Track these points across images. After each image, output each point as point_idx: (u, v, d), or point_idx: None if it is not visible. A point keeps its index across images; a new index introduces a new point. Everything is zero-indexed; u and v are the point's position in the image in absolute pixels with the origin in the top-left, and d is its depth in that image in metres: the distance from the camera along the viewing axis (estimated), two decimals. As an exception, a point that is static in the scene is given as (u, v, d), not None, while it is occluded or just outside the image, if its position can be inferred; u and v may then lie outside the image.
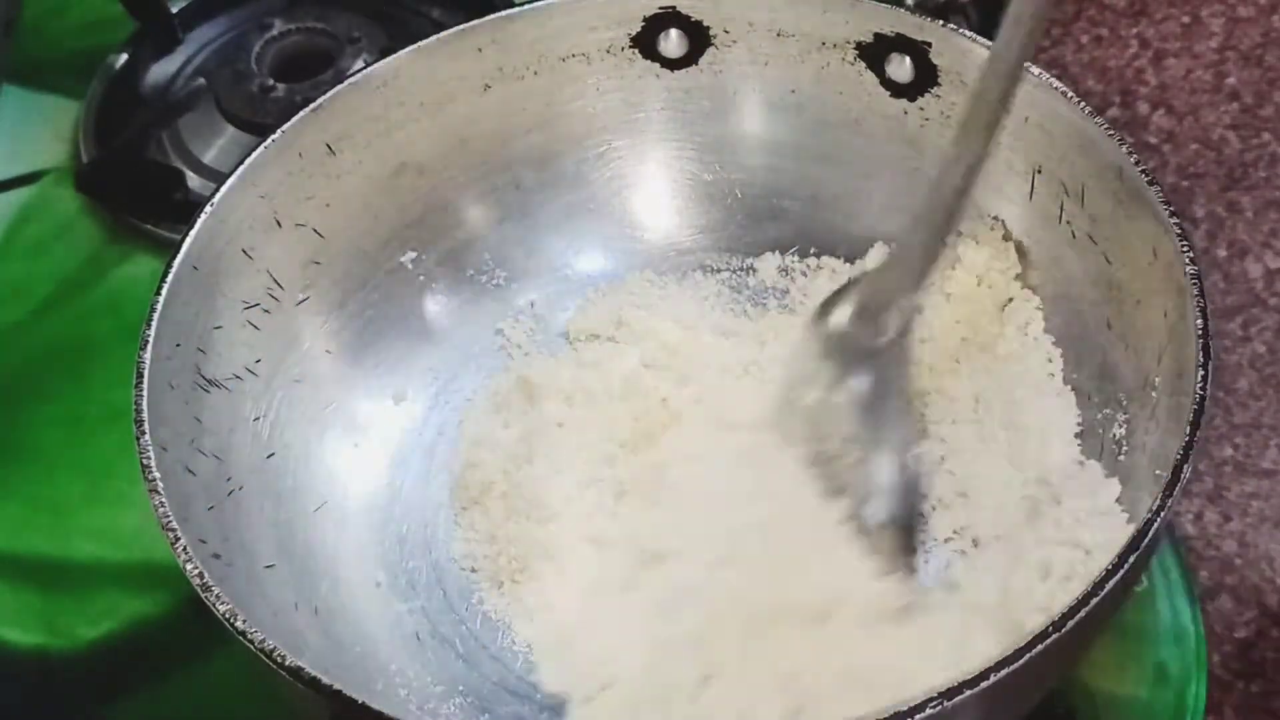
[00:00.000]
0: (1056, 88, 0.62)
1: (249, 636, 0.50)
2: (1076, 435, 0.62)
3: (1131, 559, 0.49)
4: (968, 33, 0.65)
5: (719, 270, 0.73)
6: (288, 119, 0.65)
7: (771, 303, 0.71)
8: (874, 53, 0.67)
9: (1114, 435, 0.61)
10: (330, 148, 0.67)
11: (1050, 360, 0.65)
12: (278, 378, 0.65)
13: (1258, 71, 0.84)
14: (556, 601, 0.62)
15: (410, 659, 0.61)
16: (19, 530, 0.70)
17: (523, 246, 0.72)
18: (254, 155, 0.64)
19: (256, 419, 0.63)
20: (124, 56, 0.88)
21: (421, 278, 0.71)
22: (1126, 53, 0.85)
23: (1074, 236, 0.64)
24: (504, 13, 0.69)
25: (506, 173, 0.71)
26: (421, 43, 0.68)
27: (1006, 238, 0.67)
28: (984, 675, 0.47)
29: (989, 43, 0.64)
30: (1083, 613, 0.48)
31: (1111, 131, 0.61)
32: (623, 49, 0.70)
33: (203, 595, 0.52)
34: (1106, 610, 0.49)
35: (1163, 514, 0.50)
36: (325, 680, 0.49)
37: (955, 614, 0.59)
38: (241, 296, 0.64)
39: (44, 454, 0.73)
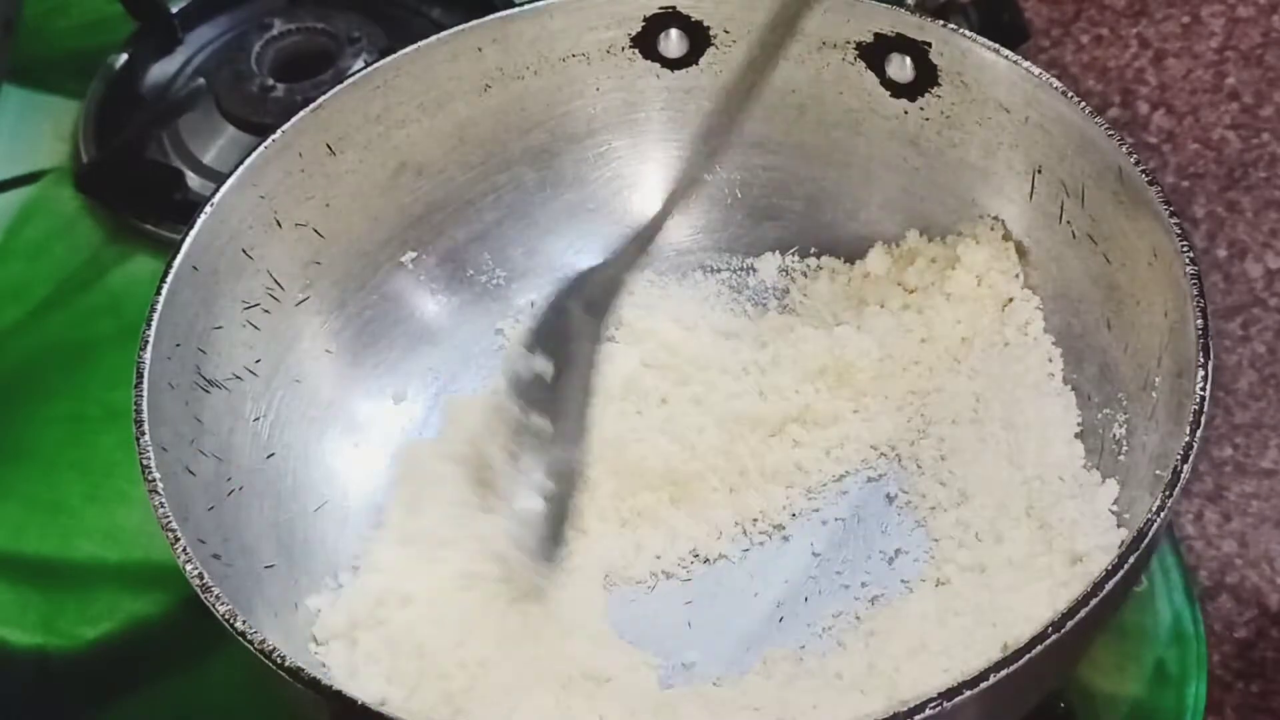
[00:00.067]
0: (1056, 88, 0.62)
1: (249, 637, 0.50)
2: (1076, 435, 0.62)
3: (1131, 559, 0.49)
4: (968, 33, 0.65)
5: (719, 270, 0.73)
6: (288, 119, 0.65)
7: (771, 303, 0.71)
8: (874, 53, 0.67)
9: (1114, 435, 0.61)
10: (330, 148, 0.67)
11: (1050, 360, 0.65)
12: (278, 378, 0.65)
13: (1258, 71, 0.84)
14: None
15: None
16: (19, 530, 0.70)
17: (523, 246, 0.72)
18: (254, 155, 0.64)
19: (256, 419, 0.63)
20: (124, 56, 0.88)
21: (421, 278, 0.71)
22: (1126, 53, 0.85)
23: (1074, 236, 0.64)
24: (504, 13, 0.69)
25: (506, 173, 0.71)
26: (421, 43, 0.68)
27: (1006, 238, 0.67)
28: (984, 675, 0.47)
29: (989, 43, 0.64)
30: (1082, 613, 0.48)
31: (1111, 131, 0.61)
32: (623, 49, 0.70)
33: (202, 595, 0.52)
34: (1106, 611, 0.50)
35: (1163, 514, 0.50)
36: (325, 680, 0.49)
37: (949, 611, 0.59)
38: (241, 296, 0.64)
39: (44, 454, 0.73)
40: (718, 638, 0.61)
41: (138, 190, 0.81)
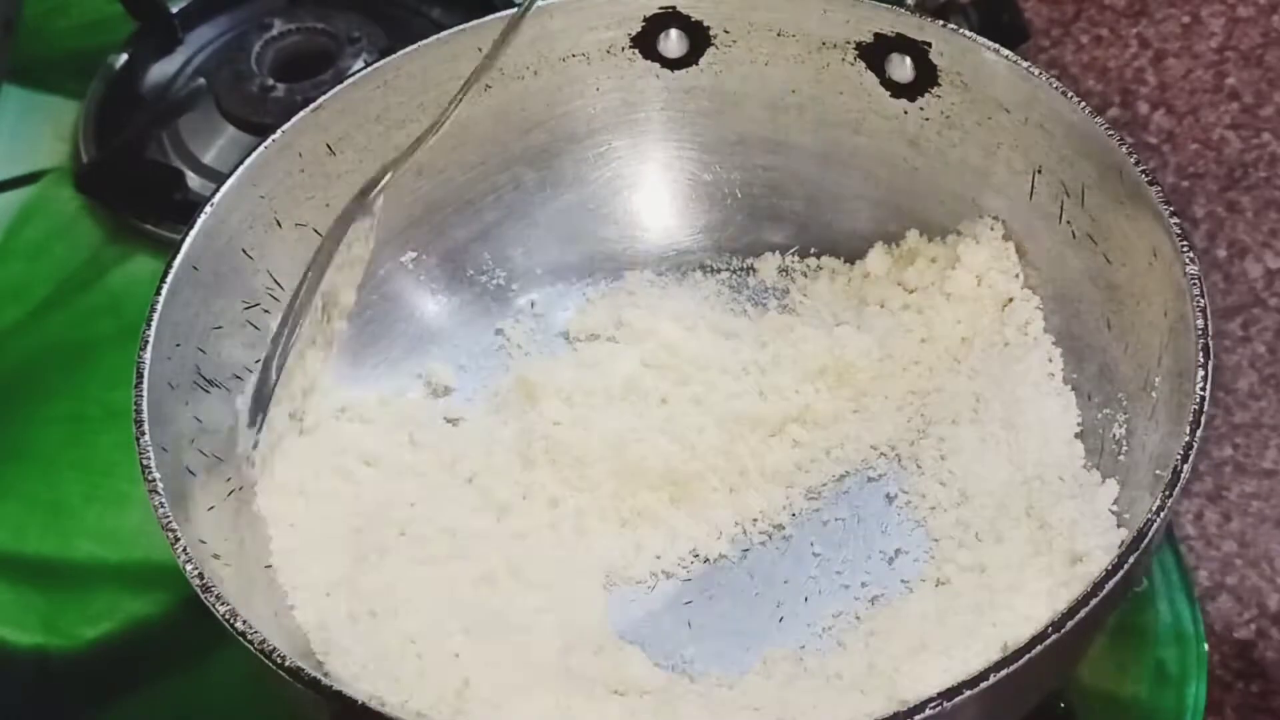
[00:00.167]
0: (1056, 88, 0.62)
1: (249, 636, 0.50)
2: (1076, 435, 0.62)
3: (1131, 559, 0.49)
4: (968, 33, 0.65)
5: (719, 270, 0.73)
6: (288, 119, 0.65)
7: (771, 303, 0.71)
8: (874, 53, 0.67)
9: (1114, 435, 0.61)
10: (330, 148, 0.67)
11: (1050, 360, 0.65)
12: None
13: (1258, 71, 0.84)
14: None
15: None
16: (19, 530, 0.70)
17: (523, 246, 0.72)
18: (254, 155, 0.64)
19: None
20: (124, 56, 0.88)
21: (421, 278, 0.71)
22: (1126, 53, 0.85)
23: (1074, 236, 0.64)
24: (504, 13, 0.69)
25: (506, 173, 0.71)
26: (421, 43, 0.68)
27: (1006, 238, 0.67)
28: (984, 675, 0.47)
29: (989, 43, 0.64)
30: (1082, 613, 0.48)
31: (1111, 131, 0.61)
32: (623, 49, 0.70)
33: (202, 595, 0.52)
34: (1106, 611, 0.50)
35: (1163, 514, 0.50)
36: (325, 680, 0.49)
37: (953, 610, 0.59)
38: (241, 296, 0.64)
39: (44, 454, 0.73)
40: (717, 638, 0.61)
41: (138, 190, 0.81)
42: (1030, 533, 0.60)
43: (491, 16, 0.68)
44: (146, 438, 0.56)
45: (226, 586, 0.53)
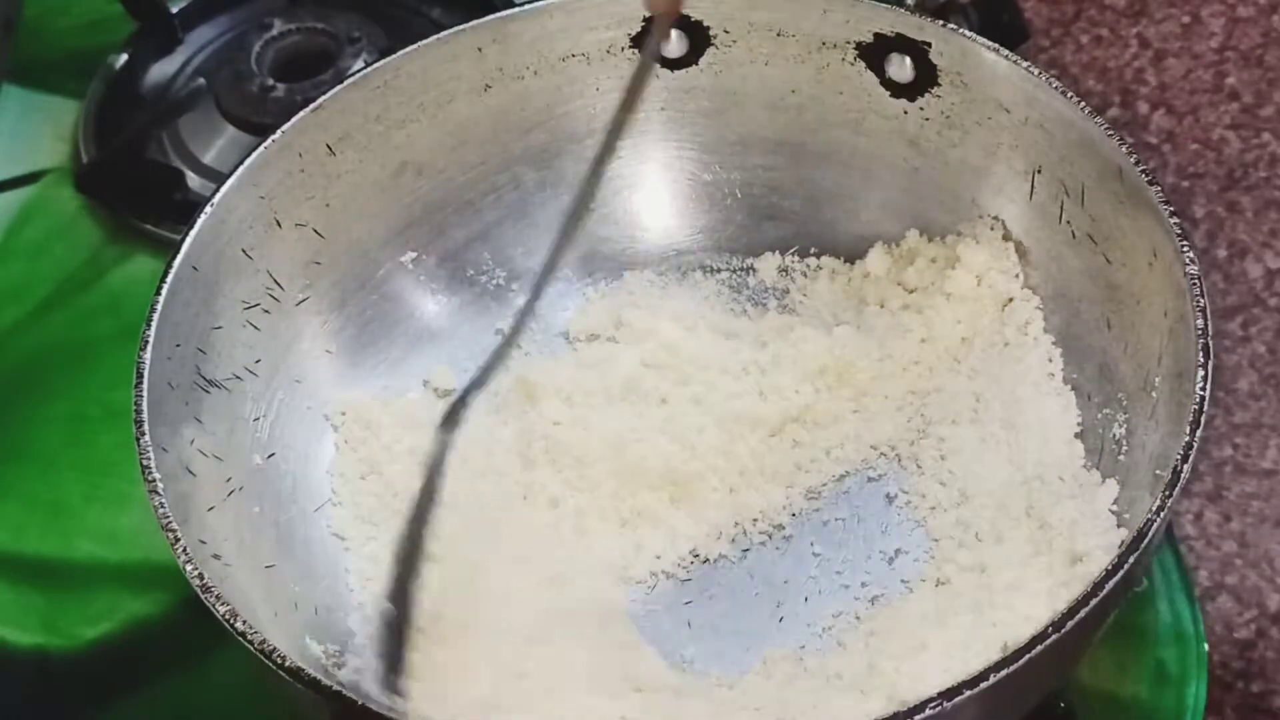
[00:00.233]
0: (1056, 88, 0.62)
1: (249, 637, 0.50)
2: (1076, 435, 0.63)
3: (1131, 559, 0.49)
4: (968, 33, 0.65)
5: (719, 270, 0.73)
6: (288, 119, 0.65)
7: (771, 303, 0.71)
8: (874, 53, 0.67)
9: (1114, 435, 0.61)
10: (330, 148, 0.67)
11: (1050, 360, 0.65)
12: (278, 378, 0.65)
13: (1258, 71, 0.84)
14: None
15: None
16: (19, 530, 0.70)
17: (523, 246, 0.72)
18: (254, 155, 0.64)
19: (256, 419, 0.63)
20: (124, 56, 0.88)
21: (421, 278, 0.71)
22: (1126, 53, 0.85)
23: (1074, 236, 0.64)
24: (504, 13, 0.69)
25: (506, 173, 0.71)
26: (421, 43, 0.68)
27: (1006, 238, 0.67)
28: (984, 675, 0.47)
29: (989, 43, 0.64)
30: (1082, 613, 0.48)
31: (1111, 131, 0.61)
32: (623, 49, 0.70)
33: (203, 596, 0.52)
34: (1106, 611, 0.50)
35: (1163, 514, 0.50)
36: (325, 680, 0.49)
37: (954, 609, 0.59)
38: (241, 296, 0.64)
39: (44, 454, 0.73)
40: (717, 638, 0.61)
41: (138, 190, 0.81)
42: (1030, 533, 0.60)
43: (491, 16, 0.68)
44: (146, 438, 0.56)
45: (226, 586, 0.53)
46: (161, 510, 0.54)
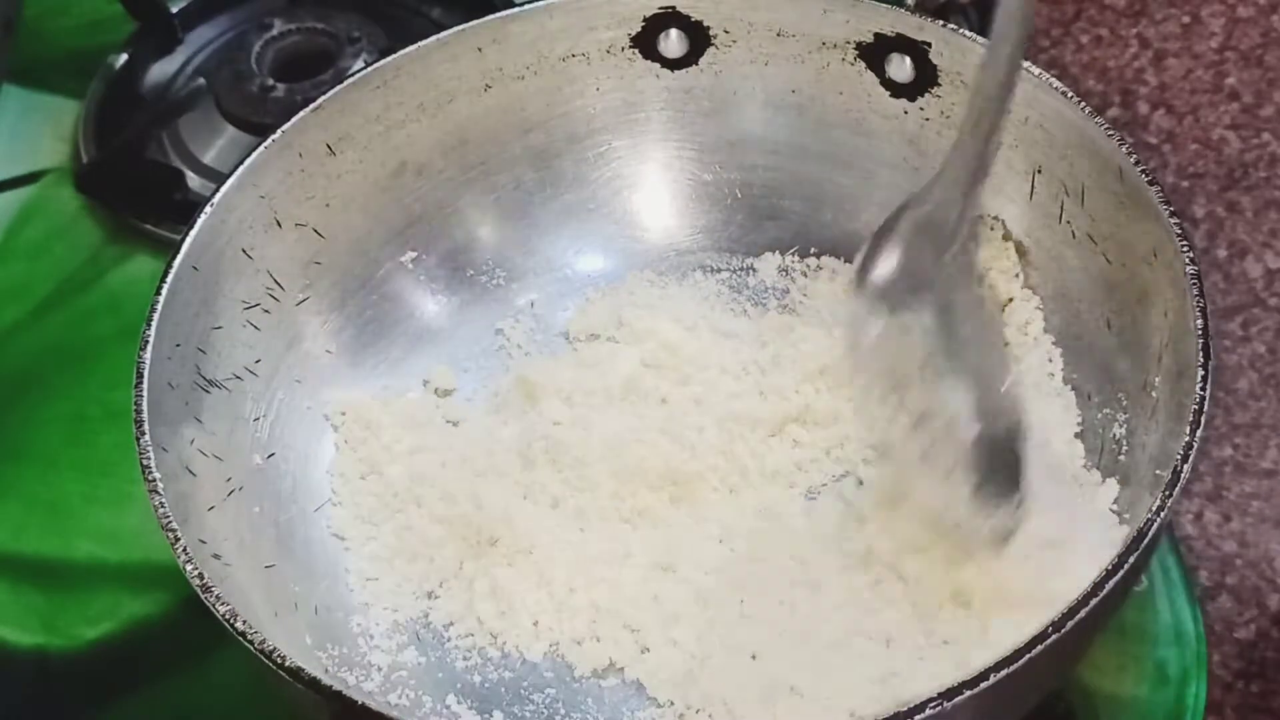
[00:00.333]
0: (1056, 88, 0.62)
1: (249, 637, 0.50)
2: (1077, 435, 0.62)
3: (1131, 559, 0.49)
4: (968, 33, 0.65)
5: (719, 270, 0.73)
6: (288, 119, 0.65)
7: (771, 303, 0.71)
8: (874, 53, 0.67)
9: (1114, 435, 0.61)
10: (330, 148, 0.67)
11: (1050, 360, 0.65)
12: (278, 378, 0.65)
13: (1258, 71, 0.84)
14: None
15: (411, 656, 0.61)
16: (19, 530, 0.70)
17: (523, 246, 0.72)
18: (254, 155, 0.64)
19: (256, 419, 0.63)
20: (124, 56, 0.88)
21: (421, 278, 0.71)
22: (1126, 53, 0.85)
23: (1074, 236, 0.64)
24: (504, 13, 0.69)
25: (506, 173, 0.71)
26: (421, 43, 0.68)
27: (1006, 238, 0.67)
28: (984, 675, 0.47)
29: (989, 43, 0.64)
30: (1082, 613, 0.48)
31: (1111, 131, 0.61)
32: (623, 49, 0.70)
33: (203, 596, 0.52)
34: (1106, 611, 0.49)
35: (1163, 514, 0.50)
36: (325, 680, 0.49)
37: None
38: (241, 296, 0.64)
39: (44, 454, 0.73)
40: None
41: (138, 190, 0.81)
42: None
43: (491, 16, 0.68)
44: (146, 438, 0.56)
45: (226, 586, 0.53)
46: (161, 510, 0.54)
